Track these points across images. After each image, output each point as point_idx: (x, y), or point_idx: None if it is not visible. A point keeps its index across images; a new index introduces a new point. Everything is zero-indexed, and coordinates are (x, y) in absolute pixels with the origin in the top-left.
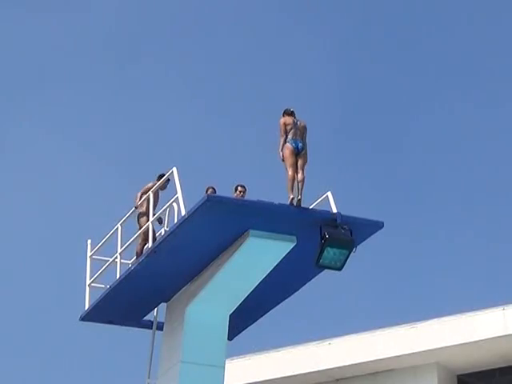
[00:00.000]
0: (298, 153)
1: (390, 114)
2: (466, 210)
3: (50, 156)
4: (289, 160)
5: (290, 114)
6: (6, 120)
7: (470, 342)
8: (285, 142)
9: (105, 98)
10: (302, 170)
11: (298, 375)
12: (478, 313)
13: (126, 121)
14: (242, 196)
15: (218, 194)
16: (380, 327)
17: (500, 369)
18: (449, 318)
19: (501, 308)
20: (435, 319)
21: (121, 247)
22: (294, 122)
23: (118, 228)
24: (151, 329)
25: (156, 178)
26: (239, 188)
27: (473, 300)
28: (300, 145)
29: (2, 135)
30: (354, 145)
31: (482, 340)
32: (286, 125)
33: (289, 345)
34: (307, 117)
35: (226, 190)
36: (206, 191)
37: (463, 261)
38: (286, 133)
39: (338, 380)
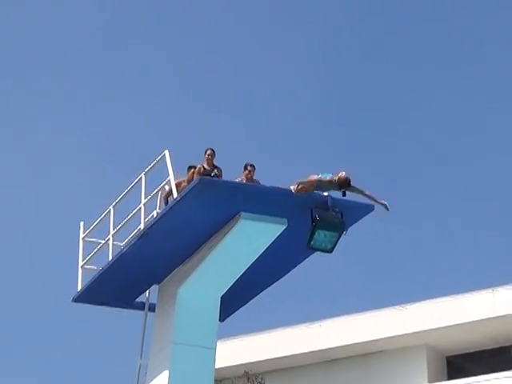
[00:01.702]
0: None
1: (389, 107)
2: (455, 194)
3: (43, 139)
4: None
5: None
6: (5, 116)
7: (460, 324)
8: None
9: (103, 94)
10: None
11: (288, 356)
12: (468, 295)
13: (123, 108)
14: (250, 175)
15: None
16: (370, 309)
17: (489, 350)
18: (438, 300)
19: (490, 290)
20: (425, 301)
21: (113, 229)
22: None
23: (110, 210)
24: (143, 310)
25: (186, 170)
26: (248, 167)
27: (462, 282)
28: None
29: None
30: (347, 132)
31: (471, 322)
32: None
33: (280, 326)
34: (305, 109)
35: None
36: (205, 152)
37: (453, 244)
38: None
39: (328, 361)
